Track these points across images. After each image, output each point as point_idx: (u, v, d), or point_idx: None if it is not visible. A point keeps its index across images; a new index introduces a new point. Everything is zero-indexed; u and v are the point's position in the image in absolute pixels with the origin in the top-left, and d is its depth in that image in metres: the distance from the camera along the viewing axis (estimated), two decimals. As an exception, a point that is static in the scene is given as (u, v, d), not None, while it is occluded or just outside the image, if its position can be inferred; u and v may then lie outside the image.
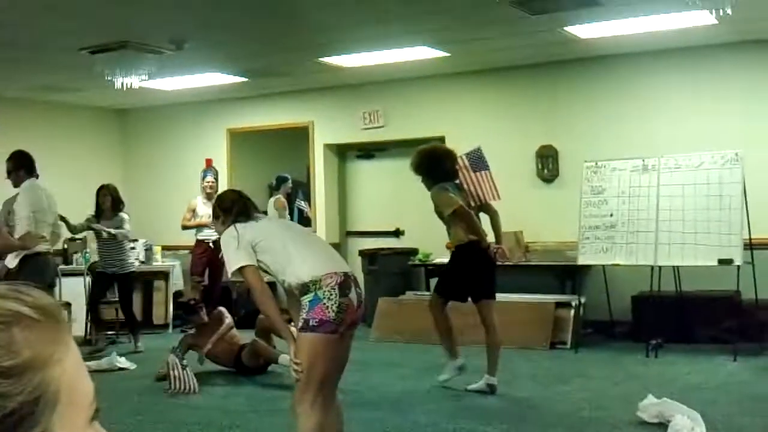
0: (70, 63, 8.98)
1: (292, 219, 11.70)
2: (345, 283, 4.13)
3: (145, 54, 8.45)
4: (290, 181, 11.76)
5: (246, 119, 11.85)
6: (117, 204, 9.65)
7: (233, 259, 4.26)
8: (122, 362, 8.23)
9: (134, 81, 8.72)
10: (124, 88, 8.88)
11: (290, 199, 11.85)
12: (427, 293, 10.15)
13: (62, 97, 11.32)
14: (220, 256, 10.56)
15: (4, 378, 0.76)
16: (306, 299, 4.09)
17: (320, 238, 4.56)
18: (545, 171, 9.98)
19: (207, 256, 10.77)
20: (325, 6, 7.17)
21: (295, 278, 4.15)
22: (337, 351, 4.17)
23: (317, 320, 4.04)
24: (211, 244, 10.79)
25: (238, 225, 4.37)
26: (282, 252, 4.25)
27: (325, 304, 4.04)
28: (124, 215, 9.60)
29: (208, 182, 11.01)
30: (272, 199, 11.87)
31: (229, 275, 4.40)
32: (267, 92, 11.33)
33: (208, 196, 10.92)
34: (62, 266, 10.82)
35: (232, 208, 4.54)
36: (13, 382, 0.76)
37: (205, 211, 10.86)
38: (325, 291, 4.06)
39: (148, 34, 7.99)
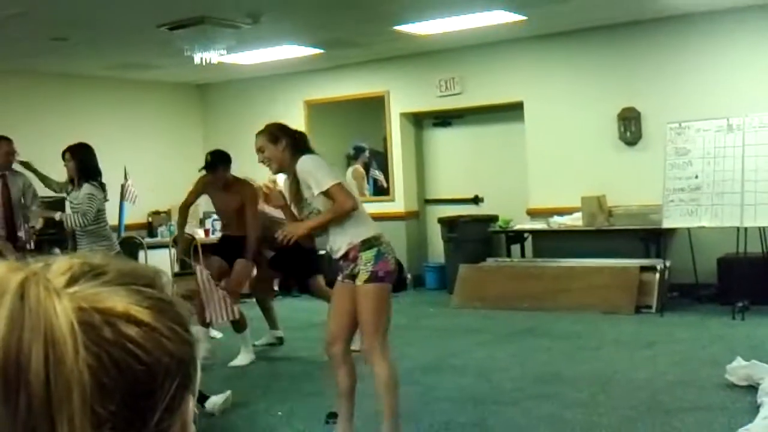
0: (149, 40, 9.10)
1: (368, 188, 11.78)
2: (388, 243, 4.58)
3: (222, 29, 8.53)
4: (367, 151, 11.82)
5: (323, 90, 11.89)
6: (87, 172, 6.90)
7: (327, 177, 4.51)
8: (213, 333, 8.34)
9: (213, 56, 8.81)
10: (204, 64, 8.98)
11: (367, 168, 11.91)
12: (508, 260, 10.13)
13: (142, 74, 11.50)
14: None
15: (185, 329, 0.79)
16: (370, 254, 4.42)
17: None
18: (627, 134, 9.80)
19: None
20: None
21: (353, 234, 4.46)
22: (391, 297, 4.59)
23: (384, 271, 4.42)
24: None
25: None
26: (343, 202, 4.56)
27: (387, 257, 4.43)
28: (88, 187, 6.76)
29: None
30: (350, 169, 11.94)
31: (315, 193, 4.52)
32: (343, 63, 11.35)
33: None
34: (147, 239, 11.08)
35: (294, 133, 4.84)
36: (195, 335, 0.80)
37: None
38: (384, 246, 4.46)
39: (225, 9, 8.05)
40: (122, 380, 0.72)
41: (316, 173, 4.52)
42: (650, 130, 9.57)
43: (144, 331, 0.74)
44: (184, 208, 7.98)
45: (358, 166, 11.88)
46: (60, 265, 0.77)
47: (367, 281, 4.39)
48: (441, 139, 11.57)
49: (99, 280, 0.76)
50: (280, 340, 7.98)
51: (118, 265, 0.79)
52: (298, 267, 7.84)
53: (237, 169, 12.32)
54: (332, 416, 5.37)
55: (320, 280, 7.77)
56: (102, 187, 6.89)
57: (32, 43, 8.99)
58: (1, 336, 0.71)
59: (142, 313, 0.75)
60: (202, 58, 8.85)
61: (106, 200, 6.98)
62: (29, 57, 9.77)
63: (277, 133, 4.82)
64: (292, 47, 10.14)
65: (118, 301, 0.75)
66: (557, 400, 5.64)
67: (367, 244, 4.41)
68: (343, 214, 4.46)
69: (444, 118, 11.44)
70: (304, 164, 4.57)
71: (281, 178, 10.85)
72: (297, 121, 12.04)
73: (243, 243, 7.35)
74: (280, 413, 5.63)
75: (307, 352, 7.60)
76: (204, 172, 7.80)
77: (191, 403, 0.79)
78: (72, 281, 0.75)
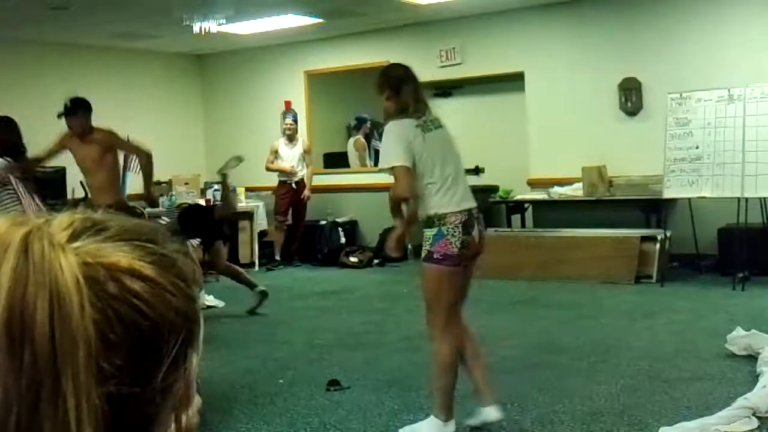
0: (148, 9, 9.05)
1: (370, 159, 11.76)
2: (468, 221, 4.27)
3: (221, -2, 8.49)
4: (369, 122, 11.79)
5: (323, 61, 11.84)
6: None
7: (394, 155, 4.27)
8: (210, 300, 8.37)
9: (212, 25, 8.78)
10: (203, 33, 8.95)
11: (368, 139, 11.89)
12: (509, 230, 10.13)
13: (142, 43, 11.44)
14: (302, 197, 10.84)
15: (192, 285, 0.78)
16: (430, 233, 4.26)
17: (461, 164, 4.45)
18: (628, 104, 9.77)
19: (289, 197, 10.95)
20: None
21: (422, 208, 4.31)
22: (459, 281, 4.36)
23: (441, 254, 4.22)
24: (293, 185, 10.94)
25: (414, 123, 4.28)
26: (426, 177, 4.29)
27: (448, 239, 4.21)
28: None
29: (288, 124, 11.15)
30: (352, 140, 11.93)
31: (379, 165, 4.42)
32: (343, 33, 11.29)
33: (289, 138, 11.08)
34: (148, 209, 11.06)
35: (400, 86, 4.37)
36: (197, 292, 0.79)
37: (287, 152, 11.00)
38: (449, 227, 4.22)
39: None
40: (127, 336, 0.72)
41: (387, 147, 4.34)
42: (651, 100, 9.54)
43: (149, 286, 0.74)
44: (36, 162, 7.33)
45: (360, 137, 11.86)
46: (62, 220, 0.76)
47: (424, 259, 4.30)
48: (441, 109, 11.35)
49: (101, 235, 0.76)
50: (265, 294, 7.89)
51: (120, 221, 0.79)
52: (201, 229, 7.92)
53: (239, 137, 12.37)
54: (334, 383, 5.40)
55: (222, 249, 7.88)
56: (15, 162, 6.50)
57: (32, 12, 8.93)
58: (6, 291, 0.70)
59: (146, 268, 0.74)
60: (201, 28, 8.81)
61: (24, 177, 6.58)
62: (29, 26, 9.72)
63: (389, 81, 4.42)
64: (291, 17, 10.08)
65: (122, 256, 0.74)
66: (557, 369, 5.66)
67: (429, 221, 4.26)
68: (396, 200, 4.37)
69: (444, 89, 11.39)
70: (384, 133, 4.41)
71: (284, 150, 10.90)
72: (297, 92, 12.03)
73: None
74: (281, 380, 5.65)
75: (307, 321, 7.63)
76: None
77: (195, 361, 0.79)
78: (74, 236, 0.75)
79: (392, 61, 11.02)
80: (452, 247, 4.21)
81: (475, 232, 4.30)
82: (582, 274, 8.78)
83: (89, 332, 0.70)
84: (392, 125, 4.35)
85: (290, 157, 11.02)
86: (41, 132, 9.24)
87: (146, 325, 0.73)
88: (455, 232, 4.21)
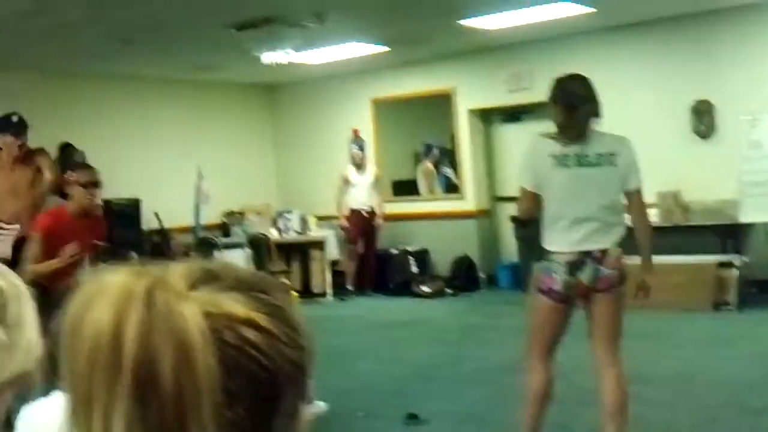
0: (216, 41, 9.16)
1: (439, 185, 11.72)
2: (578, 263, 4.16)
3: (289, 28, 8.55)
4: (436, 148, 11.77)
5: (389, 88, 11.87)
6: None
7: (521, 172, 4.28)
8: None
9: (280, 56, 8.85)
10: (271, 64, 9.02)
11: (436, 166, 11.85)
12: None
13: (211, 75, 11.59)
14: (373, 225, 10.84)
15: (300, 335, 0.80)
16: (540, 265, 4.24)
17: (606, 205, 4.18)
18: (701, 126, 9.58)
19: (360, 225, 10.93)
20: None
21: (542, 238, 4.26)
22: (560, 318, 4.28)
23: (546, 286, 4.20)
24: (364, 213, 10.94)
25: (550, 150, 4.16)
26: (547, 209, 4.23)
27: (553, 276, 4.17)
28: None
29: (354, 153, 11.19)
30: (421, 166, 11.90)
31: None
32: (409, 60, 11.30)
33: (358, 166, 11.11)
34: (222, 239, 11.21)
35: (556, 101, 4.20)
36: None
37: (358, 180, 11.02)
38: (554, 265, 4.16)
39: (292, 9, 8.07)
40: (247, 386, 0.74)
41: (521, 162, 4.32)
42: (724, 122, 9.35)
43: (265, 337, 0.76)
44: None
45: (428, 164, 11.84)
46: (179, 270, 0.78)
47: (534, 286, 4.31)
48: (511, 134, 11.45)
49: (217, 285, 0.78)
50: None
51: (234, 271, 0.81)
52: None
53: (308, 166, 12.43)
54: (412, 417, 5.35)
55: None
56: None
57: (101, 46, 9.11)
58: (133, 341, 0.72)
59: (262, 319, 0.76)
60: (269, 59, 8.89)
61: None
62: (99, 59, 9.90)
63: (551, 91, 4.28)
64: (358, 45, 10.14)
65: (239, 306, 0.76)
66: (638, 400, 5.51)
67: (544, 254, 4.23)
68: (520, 219, 4.44)
69: (513, 114, 11.33)
70: (529, 145, 4.34)
71: (354, 178, 10.91)
72: (365, 120, 12.07)
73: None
74: (360, 414, 5.62)
75: (382, 352, 7.59)
76: None
77: (305, 410, 0.81)
78: (192, 286, 0.77)
79: (459, 87, 11.13)
80: (556, 284, 4.16)
81: (584, 275, 4.16)
82: (659, 302, 8.51)
83: (214, 383, 0.72)
84: (531, 142, 4.31)
85: (361, 185, 11.04)
86: (115, 162, 9.43)
87: (264, 375, 0.75)
88: (559, 271, 4.15)
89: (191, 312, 0.73)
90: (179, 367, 0.71)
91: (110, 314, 0.73)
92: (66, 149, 9.70)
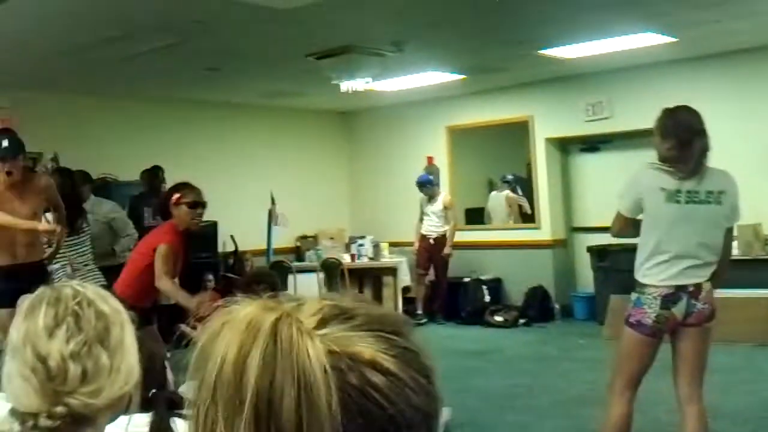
0: (296, 69, 9.29)
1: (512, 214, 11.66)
2: (673, 296, 4.12)
3: (368, 57, 8.63)
4: (510, 177, 11.72)
5: (465, 116, 11.86)
6: None
7: (621, 195, 4.28)
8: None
9: (359, 84, 8.92)
10: (349, 92, 9.10)
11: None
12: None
13: (289, 101, 11.74)
14: (442, 253, 10.77)
15: (431, 382, 0.80)
16: (633, 295, 4.21)
17: (711, 243, 4.15)
18: (780, 158, 9.37)
19: (428, 251, 10.91)
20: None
21: (635, 270, 4.23)
22: (649, 351, 4.23)
23: (635, 319, 4.16)
24: (431, 240, 10.91)
25: (662, 182, 4.12)
26: (644, 239, 4.21)
27: (644, 310, 4.13)
28: None
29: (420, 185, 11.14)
30: (495, 193, 11.84)
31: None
32: (485, 88, 11.28)
33: (428, 195, 11.07)
34: (295, 263, 11.29)
35: (663, 133, 4.19)
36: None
37: (428, 208, 11.00)
38: (647, 297, 4.12)
39: (371, 38, 8.14)
40: (366, 428, 0.74)
41: (624, 185, 4.31)
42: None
43: (389, 381, 0.75)
44: None
45: (511, 193, 11.78)
46: (311, 305, 0.79)
47: (624, 319, 4.28)
48: (589, 164, 11.34)
49: (348, 324, 0.78)
50: None
51: (367, 309, 0.81)
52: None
53: (382, 193, 12.47)
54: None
55: None
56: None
57: (186, 73, 9.31)
58: (255, 376, 0.73)
59: (389, 362, 0.76)
60: (348, 87, 8.97)
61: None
62: (183, 86, 10.13)
63: (657, 122, 4.28)
64: (435, 74, 10.16)
65: (366, 347, 0.76)
66: (717, 438, 5.40)
67: (635, 283, 4.23)
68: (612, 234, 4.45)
69: (591, 143, 11.21)
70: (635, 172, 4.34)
71: (426, 207, 10.88)
72: (439, 147, 12.07)
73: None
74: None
75: (453, 381, 7.53)
76: None
77: None
78: (322, 323, 0.77)
79: (536, 116, 11.06)
80: (647, 318, 4.11)
81: (678, 309, 4.11)
82: (736, 336, 8.39)
83: (334, 421, 0.72)
84: (639, 170, 4.27)
85: (431, 212, 11.03)
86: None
87: (384, 419, 0.74)
88: (652, 304, 4.10)
89: (315, 350, 0.74)
90: (300, 403, 0.71)
91: (235, 346, 0.74)
92: (151, 172, 9.90)
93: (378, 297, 11.27)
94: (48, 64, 8.47)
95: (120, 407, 1.57)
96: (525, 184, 11.54)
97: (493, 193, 12.02)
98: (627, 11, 7.57)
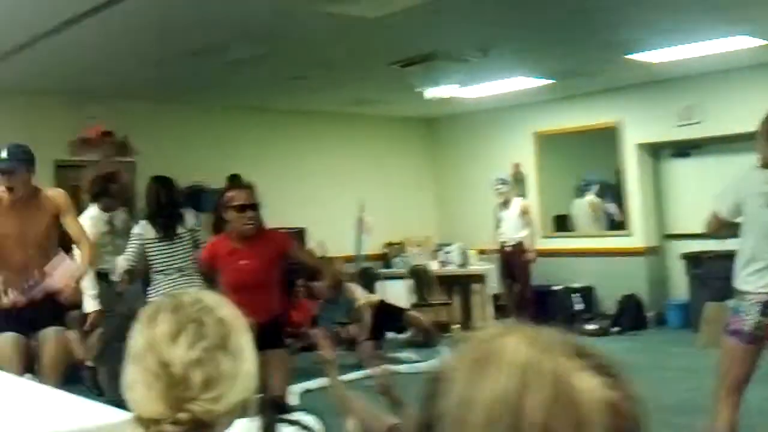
0: (381, 77, 9.31)
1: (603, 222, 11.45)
2: None
3: (453, 63, 8.58)
4: (595, 183, 11.50)
5: (552, 121, 11.71)
6: None
7: (719, 195, 4.27)
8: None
9: (444, 91, 8.88)
10: (434, 99, 9.07)
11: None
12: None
13: (373, 109, 11.78)
14: (522, 260, 10.57)
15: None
16: (731, 302, 4.23)
17: None
18: None
19: (506, 260, 10.73)
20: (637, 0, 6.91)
21: (734, 276, 4.19)
22: (750, 359, 4.18)
23: (734, 328, 4.13)
24: (509, 248, 10.64)
25: (764, 177, 4.11)
26: (743, 244, 4.17)
27: (743, 318, 4.08)
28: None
29: (496, 188, 10.86)
30: (579, 200, 11.63)
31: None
32: (574, 93, 11.12)
33: (503, 201, 10.73)
34: (383, 270, 11.30)
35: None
36: None
37: (502, 214, 10.80)
38: (746, 305, 4.09)
39: (456, 44, 8.10)
40: None
41: (724, 186, 4.31)
42: None
43: (634, 424, 0.82)
44: None
45: (594, 198, 11.56)
46: (566, 342, 0.84)
47: (723, 329, 4.26)
48: (680, 170, 11.07)
49: (594, 361, 0.83)
50: None
51: (595, 349, 0.88)
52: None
53: (468, 199, 12.39)
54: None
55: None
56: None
57: (274, 82, 9.42)
58: (536, 415, 0.75)
59: (633, 403, 0.84)
60: (432, 94, 8.93)
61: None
62: (270, 95, 10.25)
63: (764, 127, 4.32)
64: (521, 79, 10.06)
65: (614, 385, 0.83)
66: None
67: (734, 292, 4.22)
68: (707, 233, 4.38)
69: (683, 149, 10.95)
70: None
71: (501, 212, 10.71)
72: (526, 154, 11.95)
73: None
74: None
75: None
76: None
77: None
78: (594, 369, 0.82)
79: (626, 121, 10.84)
80: (745, 325, 4.06)
81: None
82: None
83: None
84: (744, 172, 4.25)
85: (507, 219, 10.80)
86: (281, 193, 9.65)
87: None
88: (751, 311, 4.05)
89: (589, 388, 0.78)
90: None
91: (512, 385, 0.76)
92: (233, 180, 10.02)
93: (466, 305, 11.19)
94: (138, 75, 8.66)
95: (237, 414, 1.59)
96: (614, 191, 11.32)
97: (576, 200, 11.80)
98: (716, 15, 7.37)
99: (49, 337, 4.97)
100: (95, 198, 7.08)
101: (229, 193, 5.15)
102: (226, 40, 7.38)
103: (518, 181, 11.90)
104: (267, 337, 4.95)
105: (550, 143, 11.85)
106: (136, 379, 1.52)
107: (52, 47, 7.19)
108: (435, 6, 6.55)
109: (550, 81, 10.20)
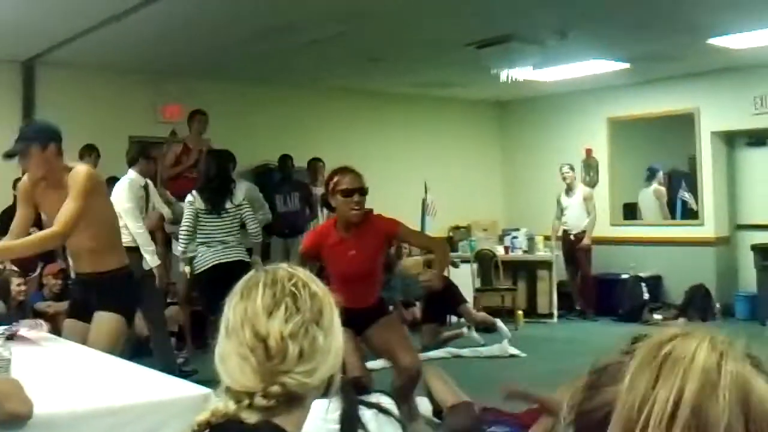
0: (456, 59, 9.24)
1: (675, 210, 11.27)
2: None
3: (529, 46, 8.48)
4: (662, 172, 11.29)
5: (626, 107, 11.51)
6: None
7: None
8: (513, 349, 8.27)
9: (519, 73, 8.79)
10: (509, 81, 8.97)
11: (668, 188, 11.36)
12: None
13: (444, 91, 11.71)
14: (578, 246, 10.53)
15: None
16: None
17: None
18: None
19: (567, 247, 10.77)
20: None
21: None
22: None
23: None
24: (572, 236, 10.70)
25: None
26: None
27: None
28: None
29: (564, 173, 10.90)
30: (645, 189, 11.45)
31: None
32: (649, 78, 10.89)
33: (567, 187, 10.82)
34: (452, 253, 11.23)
35: None
36: None
37: (566, 202, 10.79)
38: None
39: (534, 26, 8.00)
40: None
41: None
42: None
43: None
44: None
45: (661, 187, 11.38)
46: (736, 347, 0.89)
47: None
48: (755, 159, 10.84)
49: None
50: None
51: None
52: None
53: (538, 184, 12.23)
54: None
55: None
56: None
57: (349, 63, 9.42)
58: (715, 423, 0.78)
59: None
60: (508, 76, 8.85)
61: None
62: (344, 76, 10.27)
63: None
64: (597, 62, 9.90)
65: None
66: None
67: None
68: None
69: (759, 137, 10.72)
70: None
71: (564, 199, 10.64)
72: (599, 139, 11.79)
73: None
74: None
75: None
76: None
77: None
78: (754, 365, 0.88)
79: (702, 108, 10.62)
80: None
81: None
82: None
83: None
84: None
85: (571, 206, 10.80)
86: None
87: None
88: None
89: (766, 391, 0.82)
90: None
91: (695, 387, 0.79)
92: (312, 163, 10.11)
93: (532, 291, 11.11)
94: (215, 54, 8.74)
95: (323, 390, 1.58)
96: (688, 179, 11.12)
97: (643, 189, 11.60)
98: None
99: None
100: (132, 162, 7.21)
101: (335, 177, 4.77)
102: (304, 20, 7.38)
103: (590, 167, 11.76)
104: (371, 317, 4.87)
105: (623, 129, 11.67)
106: (230, 351, 1.53)
107: (132, 25, 7.28)
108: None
109: (626, 65, 10.02)
